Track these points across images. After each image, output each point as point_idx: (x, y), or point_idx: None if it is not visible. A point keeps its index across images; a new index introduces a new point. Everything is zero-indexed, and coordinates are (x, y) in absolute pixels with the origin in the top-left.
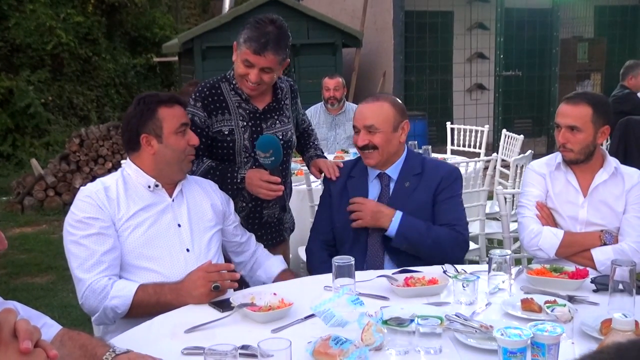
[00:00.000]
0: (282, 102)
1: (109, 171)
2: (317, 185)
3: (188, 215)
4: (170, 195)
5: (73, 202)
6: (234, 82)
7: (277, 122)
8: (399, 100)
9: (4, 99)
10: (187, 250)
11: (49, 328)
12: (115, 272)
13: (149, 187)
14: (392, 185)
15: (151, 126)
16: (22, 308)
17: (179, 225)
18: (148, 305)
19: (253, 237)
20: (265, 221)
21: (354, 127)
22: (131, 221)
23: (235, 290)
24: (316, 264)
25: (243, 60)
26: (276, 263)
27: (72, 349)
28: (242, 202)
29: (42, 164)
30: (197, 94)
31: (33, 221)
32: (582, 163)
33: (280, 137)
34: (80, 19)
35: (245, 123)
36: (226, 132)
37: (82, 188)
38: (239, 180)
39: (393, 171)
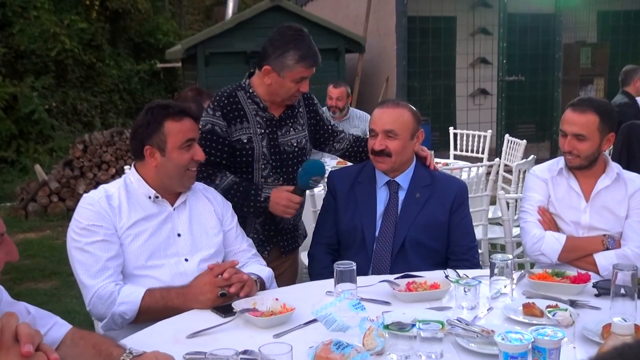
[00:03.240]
0: (296, 110)
1: (113, 177)
2: (319, 190)
3: (189, 225)
4: (172, 204)
5: (76, 210)
6: (250, 90)
7: (291, 129)
8: (415, 109)
9: (8, 105)
10: (186, 260)
11: (59, 327)
12: (120, 279)
13: (150, 197)
14: (400, 194)
15: (155, 139)
16: (33, 309)
17: (179, 235)
18: (156, 310)
19: (252, 252)
20: (282, 227)
21: (370, 130)
22: (131, 230)
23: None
24: (318, 269)
25: (297, 79)
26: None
27: (84, 348)
28: None
29: (46, 170)
30: (216, 104)
31: (37, 227)
32: (585, 169)
33: (295, 144)
34: (84, 25)
35: (262, 131)
36: (245, 140)
37: (84, 195)
38: (262, 199)
39: (403, 180)
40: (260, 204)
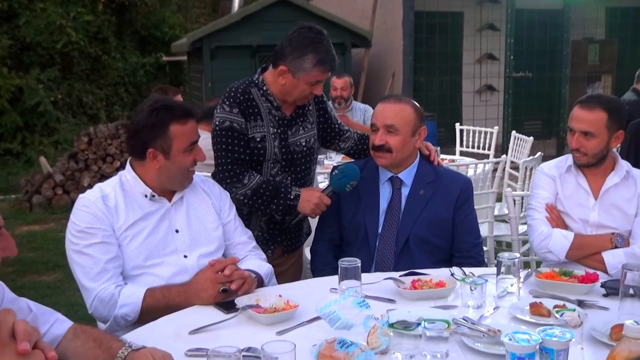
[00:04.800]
0: (306, 108)
1: (117, 170)
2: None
3: (187, 220)
4: (170, 200)
5: (72, 211)
6: (264, 87)
7: (301, 128)
8: (419, 105)
9: (13, 97)
10: (185, 256)
11: (61, 324)
12: (120, 280)
13: (146, 196)
14: (404, 190)
15: (160, 142)
16: (34, 305)
17: (177, 231)
18: (158, 309)
19: (252, 244)
20: (287, 227)
21: (372, 124)
22: (129, 231)
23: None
24: (320, 265)
25: (311, 82)
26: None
27: (85, 341)
28: None
29: (51, 162)
30: (232, 100)
31: (41, 219)
32: (593, 166)
33: (304, 143)
34: (90, 18)
35: (275, 130)
36: (258, 139)
37: (80, 196)
38: (292, 197)
39: (406, 176)
40: (290, 202)
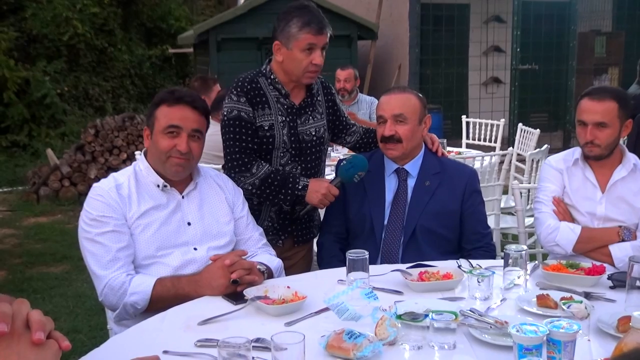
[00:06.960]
0: (315, 98)
1: (124, 162)
2: None
3: (200, 213)
4: (181, 192)
5: (86, 199)
6: (271, 76)
7: (310, 117)
8: (421, 95)
9: (20, 89)
10: (195, 249)
11: None
12: (131, 269)
13: (158, 186)
14: (410, 182)
15: (150, 121)
16: None
17: (189, 224)
18: (167, 298)
19: (262, 241)
20: (297, 217)
21: (378, 117)
22: (141, 220)
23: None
24: (327, 257)
25: (304, 47)
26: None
27: None
28: None
29: (58, 154)
30: (239, 89)
31: (48, 211)
32: (603, 159)
33: (314, 133)
34: (97, 10)
35: (284, 118)
36: (266, 127)
37: (94, 185)
38: (300, 187)
39: (412, 167)
40: (298, 192)
